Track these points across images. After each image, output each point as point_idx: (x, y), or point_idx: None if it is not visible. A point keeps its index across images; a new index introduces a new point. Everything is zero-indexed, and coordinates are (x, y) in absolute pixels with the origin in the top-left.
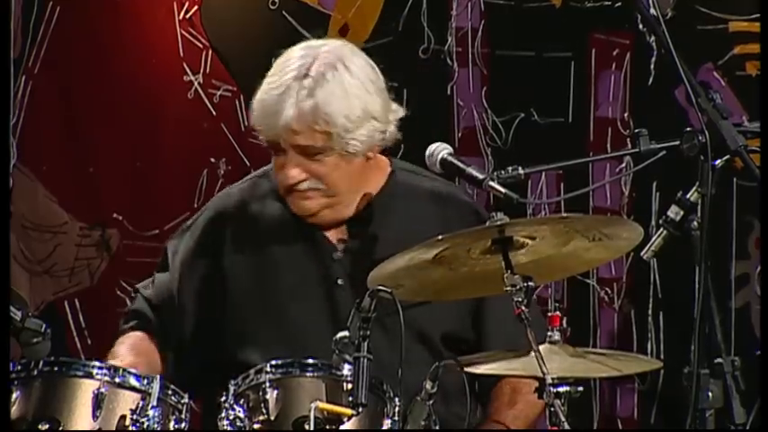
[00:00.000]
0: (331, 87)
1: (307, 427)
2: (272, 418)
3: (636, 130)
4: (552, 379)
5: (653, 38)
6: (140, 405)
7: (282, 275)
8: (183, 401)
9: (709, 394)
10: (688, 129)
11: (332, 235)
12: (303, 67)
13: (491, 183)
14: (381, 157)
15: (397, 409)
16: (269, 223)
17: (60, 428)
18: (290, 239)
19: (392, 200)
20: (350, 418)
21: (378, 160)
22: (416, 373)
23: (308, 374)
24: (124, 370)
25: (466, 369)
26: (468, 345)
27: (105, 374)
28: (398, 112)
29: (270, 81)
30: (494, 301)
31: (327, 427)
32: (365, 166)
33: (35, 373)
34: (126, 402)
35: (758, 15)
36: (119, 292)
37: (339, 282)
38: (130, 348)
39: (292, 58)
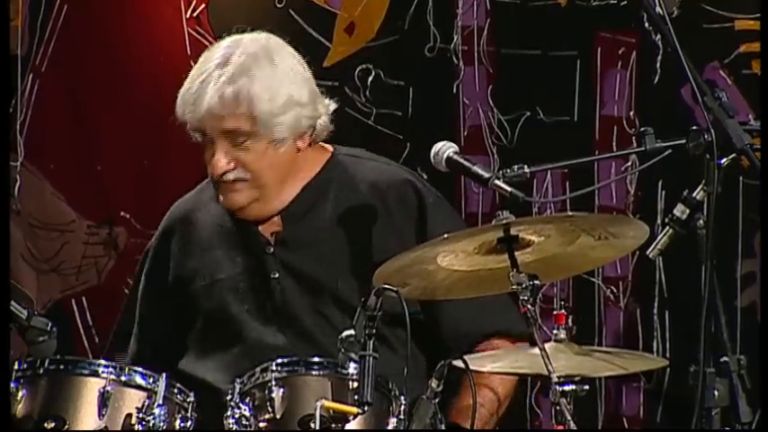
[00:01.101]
0: (253, 73)
1: (312, 425)
2: (278, 416)
3: (642, 129)
4: (558, 377)
5: (659, 36)
6: (146, 403)
7: (222, 274)
8: (188, 400)
9: (715, 393)
10: (694, 127)
11: (266, 229)
12: (225, 57)
13: (497, 181)
14: (323, 147)
15: (402, 407)
16: (209, 225)
17: (66, 427)
18: (228, 238)
19: (326, 188)
20: (355, 416)
21: (315, 150)
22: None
23: (313, 373)
24: (130, 368)
25: (471, 368)
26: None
27: (111, 373)
28: (330, 105)
29: (192, 72)
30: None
31: (333, 425)
32: (296, 156)
33: (41, 371)
34: (132, 401)
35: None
36: (126, 291)
37: (274, 275)
38: None
39: (216, 49)
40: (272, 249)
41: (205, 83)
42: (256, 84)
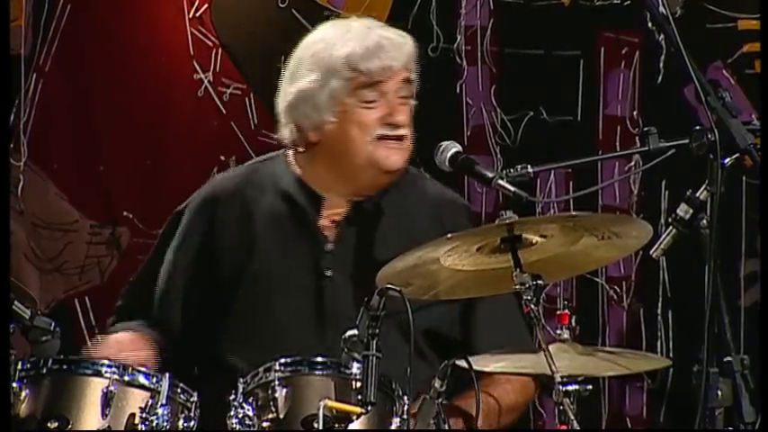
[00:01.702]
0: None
1: (315, 425)
2: (281, 416)
3: (645, 129)
4: (561, 377)
5: (662, 36)
6: (149, 403)
7: (271, 263)
8: (191, 400)
9: (719, 393)
10: (697, 127)
11: (325, 222)
12: (369, 22)
13: (500, 181)
14: None
15: (405, 407)
16: (263, 210)
17: (69, 427)
18: (283, 228)
19: (392, 191)
20: (359, 416)
21: None
22: (399, 367)
23: (317, 373)
24: (133, 368)
25: (475, 367)
26: (453, 344)
27: (114, 373)
28: None
29: (349, 35)
30: (485, 302)
31: (336, 425)
32: None
33: (44, 371)
34: (135, 401)
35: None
36: None
37: (327, 273)
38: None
39: (339, 21)
40: (330, 247)
41: (384, 34)
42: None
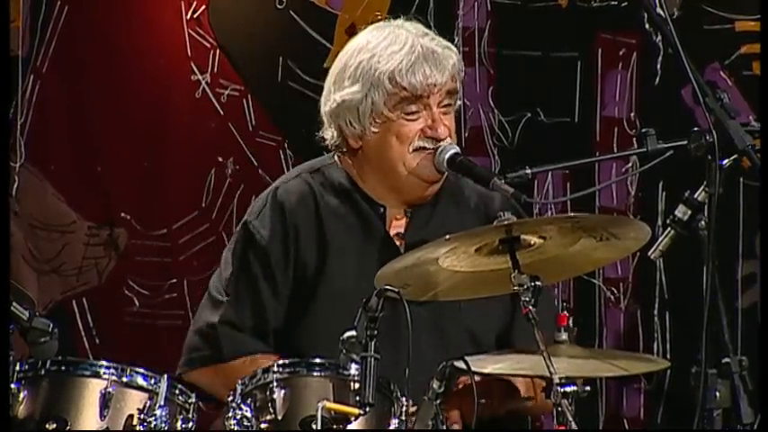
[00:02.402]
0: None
1: (314, 426)
2: (280, 417)
3: (643, 130)
4: (560, 378)
5: (659, 37)
6: (148, 404)
7: (350, 274)
8: (190, 401)
9: (717, 394)
10: (695, 128)
11: (391, 229)
12: (417, 29)
13: (498, 182)
14: None
15: (404, 408)
16: (332, 218)
17: (68, 428)
18: (356, 236)
19: (445, 198)
20: (357, 417)
21: None
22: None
23: (315, 374)
24: (131, 369)
25: (474, 369)
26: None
27: (113, 374)
28: None
29: (395, 47)
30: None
31: (334, 426)
32: None
33: (42, 372)
34: (133, 402)
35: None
36: (127, 292)
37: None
38: None
39: (385, 27)
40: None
41: (428, 47)
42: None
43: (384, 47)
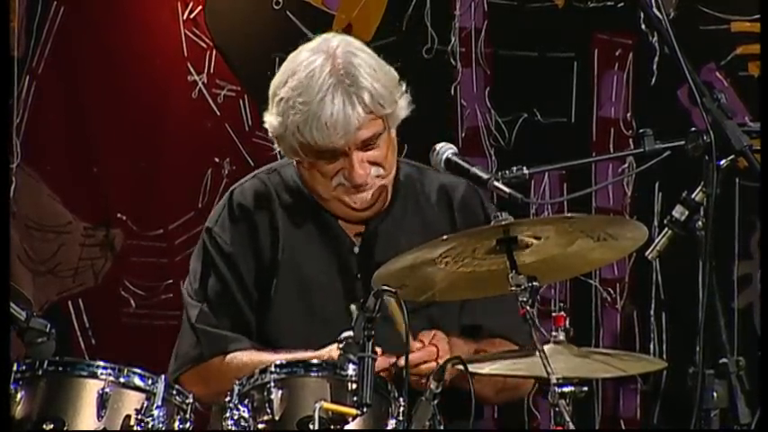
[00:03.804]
0: (367, 71)
1: (311, 426)
2: (277, 417)
3: (641, 131)
4: (557, 379)
5: (655, 38)
6: (145, 405)
7: (306, 268)
8: (187, 401)
9: (714, 394)
10: (693, 129)
11: (347, 226)
12: (333, 69)
13: (495, 183)
14: None
15: (401, 408)
16: (289, 217)
17: (65, 428)
18: (311, 233)
19: (404, 192)
20: (354, 417)
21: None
22: None
23: (312, 374)
24: (128, 370)
25: (471, 369)
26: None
27: (110, 374)
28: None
29: (306, 97)
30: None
31: (332, 426)
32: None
33: (40, 372)
34: (131, 402)
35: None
36: (123, 292)
37: (358, 276)
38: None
39: (312, 67)
40: (357, 249)
41: (337, 100)
42: (374, 80)
43: (298, 93)
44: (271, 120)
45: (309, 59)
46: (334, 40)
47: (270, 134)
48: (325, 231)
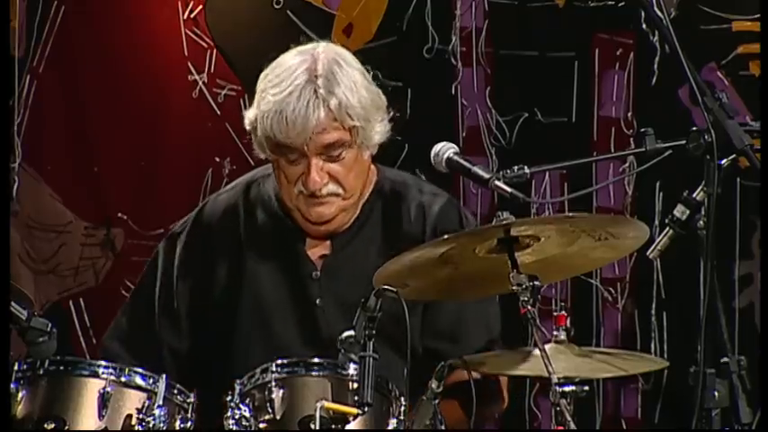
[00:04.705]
0: (345, 82)
1: (312, 426)
2: (278, 417)
3: (642, 130)
4: (558, 378)
5: (656, 37)
6: (146, 404)
7: (265, 292)
8: (188, 401)
9: (716, 394)
10: (694, 128)
11: (314, 252)
12: (309, 70)
13: (497, 182)
14: (372, 167)
15: (402, 408)
16: (254, 236)
17: (66, 428)
18: (273, 255)
19: (374, 212)
20: (355, 417)
21: (372, 167)
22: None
23: (313, 374)
24: (130, 369)
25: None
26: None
27: (111, 374)
28: (390, 111)
29: (277, 90)
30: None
31: (333, 426)
32: (370, 166)
33: (41, 372)
34: (132, 401)
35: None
36: (124, 292)
37: (318, 302)
38: None
39: (292, 64)
40: (317, 275)
41: (303, 98)
42: (349, 93)
43: (272, 86)
44: (248, 112)
45: (294, 58)
46: (324, 46)
47: (246, 127)
48: (289, 255)
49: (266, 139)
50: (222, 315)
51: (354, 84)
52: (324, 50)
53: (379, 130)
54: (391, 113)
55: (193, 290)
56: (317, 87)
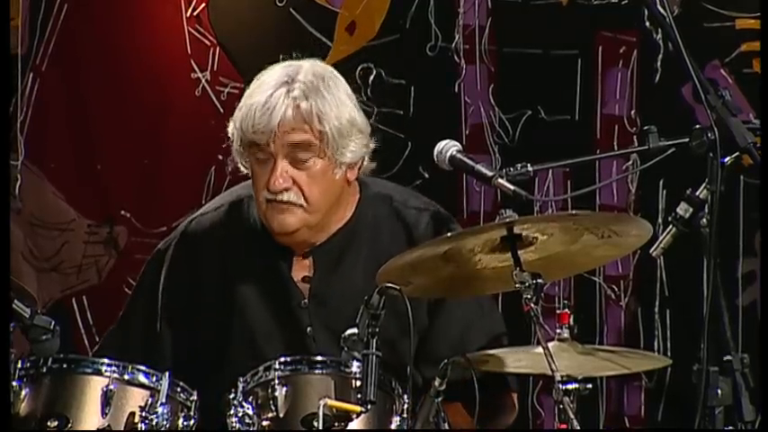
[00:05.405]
0: (322, 92)
1: (315, 424)
2: (281, 415)
3: (645, 128)
4: (561, 376)
5: (659, 35)
6: (149, 402)
7: (256, 322)
8: (191, 399)
9: (719, 392)
10: (697, 126)
11: (297, 272)
12: (289, 76)
13: (500, 180)
14: (355, 185)
15: (405, 406)
16: (240, 263)
17: (69, 426)
18: (260, 282)
19: (357, 235)
20: (358, 414)
21: (352, 188)
22: None
23: (316, 371)
24: (133, 367)
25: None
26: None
27: (114, 371)
28: (372, 142)
29: (255, 88)
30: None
31: (336, 424)
32: (343, 189)
33: (44, 370)
34: (135, 399)
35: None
36: (126, 290)
37: (308, 330)
38: None
39: (275, 70)
40: (305, 302)
41: (275, 97)
42: (325, 103)
43: (251, 91)
44: (230, 125)
45: (277, 70)
46: (312, 62)
47: (229, 137)
48: (275, 283)
49: (240, 140)
50: (210, 340)
51: (334, 97)
52: (309, 65)
53: (353, 149)
54: (373, 145)
55: (179, 311)
56: (291, 90)
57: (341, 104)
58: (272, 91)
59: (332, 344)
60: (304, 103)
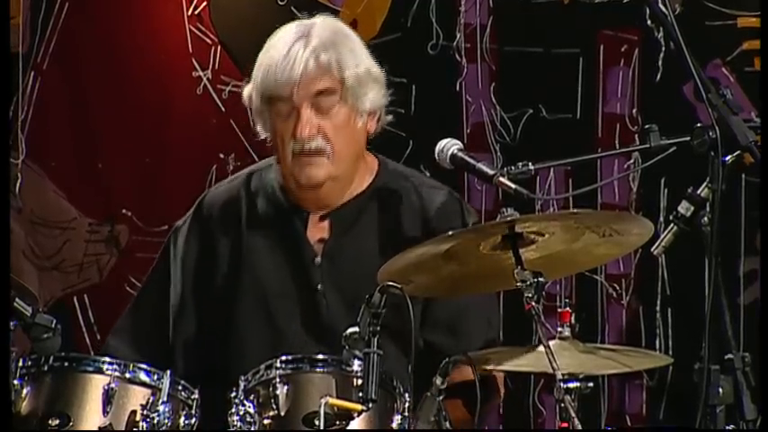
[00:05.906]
0: (338, 44)
1: (317, 422)
2: (282, 413)
3: (646, 126)
4: (562, 375)
5: (661, 34)
6: (151, 400)
7: (266, 278)
8: (193, 397)
9: (720, 390)
10: (698, 124)
11: (313, 234)
12: (305, 32)
13: (501, 179)
14: (372, 157)
15: (406, 405)
16: (255, 224)
17: (70, 424)
18: (274, 241)
19: (374, 200)
20: (360, 413)
21: (369, 159)
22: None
23: (318, 370)
24: (134, 365)
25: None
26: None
27: (115, 370)
28: (387, 94)
29: (270, 46)
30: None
31: (337, 422)
32: (364, 143)
33: (45, 368)
34: (136, 398)
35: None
36: (128, 288)
37: (319, 287)
38: None
39: (289, 28)
40: (318, 261)
41: (294, 49)
42: (342, 53)
43: (266, 49)
44: (245, 89)
45: (291, 27)
46: (324, 18)
47: (246, 106)
48: (290, 241)
49: (261, 101)
50: (224, 303)
51: (350, 48)
52: (324, 20)
53: (372, 98)
54: (389, 97)
55: (193, 279)
56: (309, 43)
57: (357, 55)
58: (290, 45)
59: (341, 304)
60: (323, 54)
